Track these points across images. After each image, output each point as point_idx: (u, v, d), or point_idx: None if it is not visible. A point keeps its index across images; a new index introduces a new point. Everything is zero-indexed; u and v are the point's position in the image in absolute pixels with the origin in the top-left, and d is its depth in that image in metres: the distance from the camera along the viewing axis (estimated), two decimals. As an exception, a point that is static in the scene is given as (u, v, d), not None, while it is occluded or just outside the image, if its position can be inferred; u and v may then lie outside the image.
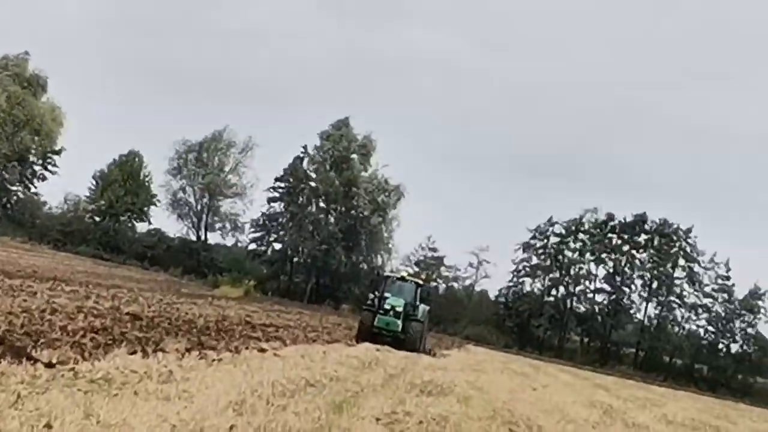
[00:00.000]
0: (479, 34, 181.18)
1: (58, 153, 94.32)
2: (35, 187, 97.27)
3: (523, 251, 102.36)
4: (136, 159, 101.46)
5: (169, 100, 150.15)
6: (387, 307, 37.43)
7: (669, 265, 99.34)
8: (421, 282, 41.65)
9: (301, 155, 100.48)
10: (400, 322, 37.17)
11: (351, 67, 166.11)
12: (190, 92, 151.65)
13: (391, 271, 49.68)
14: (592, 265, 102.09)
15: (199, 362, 15.75)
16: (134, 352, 15.21)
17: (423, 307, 39.27)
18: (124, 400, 10.46)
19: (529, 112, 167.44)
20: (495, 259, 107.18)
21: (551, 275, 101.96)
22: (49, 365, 11.89)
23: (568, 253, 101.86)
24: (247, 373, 15.23)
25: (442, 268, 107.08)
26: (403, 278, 40.78)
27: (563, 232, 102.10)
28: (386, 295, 38.33)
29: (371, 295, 40.20)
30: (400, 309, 37.36)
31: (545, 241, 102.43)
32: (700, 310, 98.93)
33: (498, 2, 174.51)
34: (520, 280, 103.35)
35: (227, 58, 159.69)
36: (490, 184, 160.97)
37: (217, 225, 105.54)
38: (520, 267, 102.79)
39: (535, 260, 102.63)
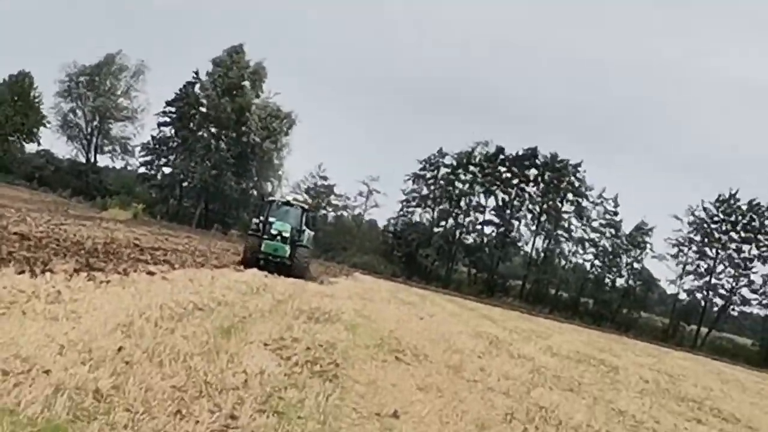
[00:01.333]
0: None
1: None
2: None
3: (413, 182, 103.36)
4: (26, 80, 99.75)
5: (61, 21, 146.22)
6: (273, 232, 36.72)
7: (558, 200, 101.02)
8: (306, 207, 40.64)
9: (193, 80, 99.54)
10: (287, 248, 36.69)
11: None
12: (83, 15, 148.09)
13: (280, 197, 49.12)
14: (482, 198, 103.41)
15: (87, 284, 15.62)
16: (22, 272, 15.08)
17: (308, 233, 38.70)
18: (12, 319, 10.45)
19: (423, 44, 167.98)
20: (385, 190, 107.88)
21: (441, 206, 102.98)
22: (-65, 283, 11.79)
23: (459, 185, 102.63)
24: (136, 296, 15.19)
25: (332, 197, 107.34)
26: (288, 203, 40.03)
27: (454, 163, 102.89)
28: (271, 219, 37.56)
29: (255, 220, 39.45)
30: (287, 234, 36.77)
31: (435, 172, 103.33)
32: (587, 245, 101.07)
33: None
34: (410, 210, 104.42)
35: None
36: (383, 116, 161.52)
37: (107, 148, 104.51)
38: (410, 197, 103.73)
39: (425, 191, 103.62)
